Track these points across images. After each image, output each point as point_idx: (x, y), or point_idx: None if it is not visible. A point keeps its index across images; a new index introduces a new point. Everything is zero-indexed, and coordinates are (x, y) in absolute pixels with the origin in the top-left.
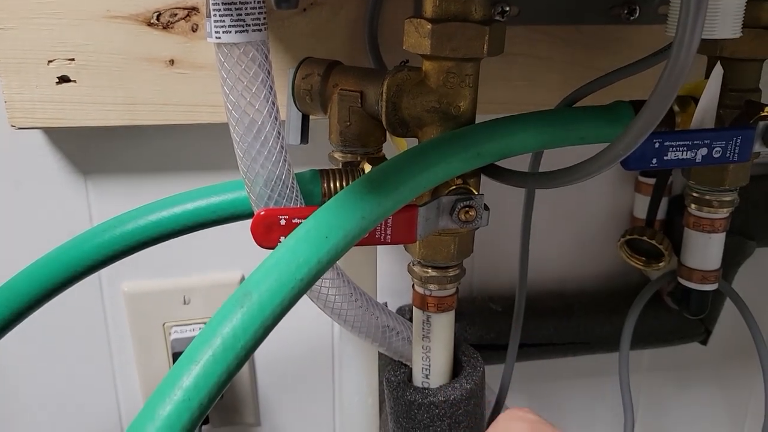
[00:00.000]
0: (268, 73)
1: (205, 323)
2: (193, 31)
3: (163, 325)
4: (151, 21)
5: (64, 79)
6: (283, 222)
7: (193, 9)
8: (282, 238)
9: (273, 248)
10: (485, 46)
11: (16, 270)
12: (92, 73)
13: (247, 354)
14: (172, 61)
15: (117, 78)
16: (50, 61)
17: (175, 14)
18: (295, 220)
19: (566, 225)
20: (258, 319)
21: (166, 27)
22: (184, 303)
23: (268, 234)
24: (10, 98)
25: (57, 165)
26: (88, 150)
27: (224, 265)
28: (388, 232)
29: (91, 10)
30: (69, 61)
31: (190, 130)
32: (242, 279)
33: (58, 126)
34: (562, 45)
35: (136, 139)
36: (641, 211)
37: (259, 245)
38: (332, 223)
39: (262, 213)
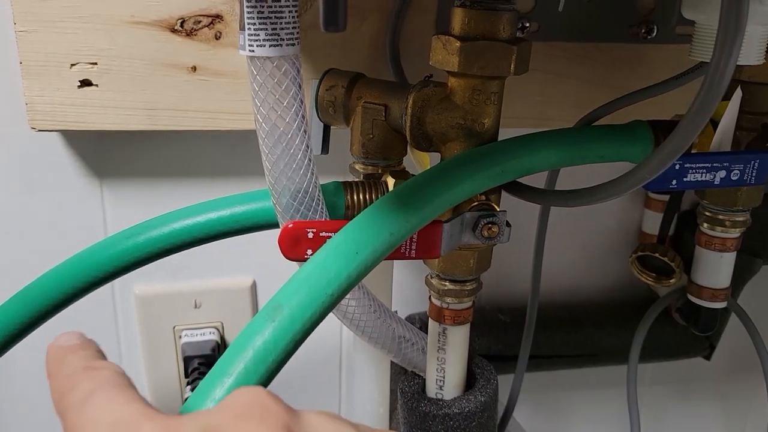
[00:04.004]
0: (300, 87)
1: (214, 327)
2: (217, 39)
3: (174, 328)
4: (175, 27)
5: (86, 83)
6: (310, 235)
7: (217, 17)
8: (309, 251)
9: (299, 260)
10: (512, 65)
11: (27, 270)
12: (114, 77)
13: (278, 367)
14: (194, 68)
15: (139, 83)
16: (73, 65)
17: (199, 21)
18: (323, 234)
19: (575, 238)
20: (289, 332)
21: (190, 34)
22: (195, 307)
23: (295, 247)
24: (31, 100)
25: (72, 167)
26: (104, 153)
27: (236, 270)
28: (413, 247)
29: (116, 16)
30: (91, 65)
31: (208, 137)
32: (253, 284)
33: (78, 129)
34: (579, 62)
35: (152, 144)
36: (650, 226)
37: (286, 257)
38: (361, 239)
39: (290, 226)
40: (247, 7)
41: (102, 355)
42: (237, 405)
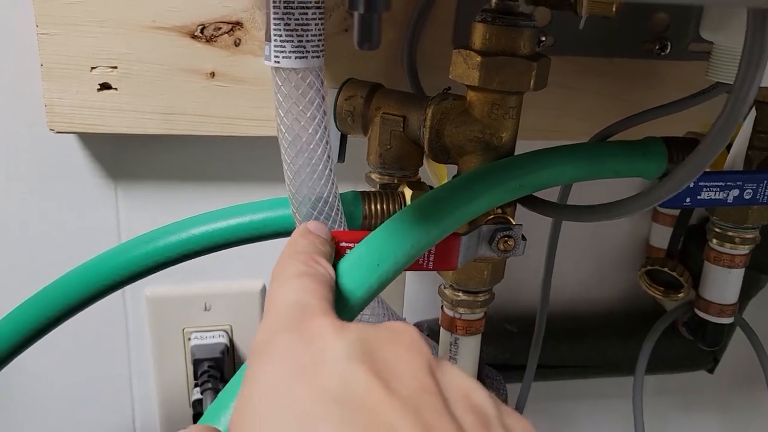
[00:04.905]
0: (323, 98)
1: (224, 330)
2: (236, 46)
3: (183, 330)
4: (195, 33)
5: (105, 86)
6: None
7: (237, 24)
8: None
9: None
10: (532, 81)
11: (41, 269)
12: (134, 81)
13: None
14: (213, 74)
15: (158, 88)
16: (93, 68)
17: (219, 28)
18: (343, 244)
19: (583, 249)
20: None
21: (210, 40)
22: (205, 309)
23: None
24: (50, 102)
25: (88, 169)
26: (120, 156)
27: (246, 273)
28: (431, 259)
29: (137, 20)
30: (111, 69)
31: (224, 142)
32: (263, 288)
33: (96, 132)
34: (593, 76)
35: (167, 148)
36: (657, 240)
37: None
38: (383, 251)
39: None
40: (274, 19)
41: (331, 260)
42: (393, 330)
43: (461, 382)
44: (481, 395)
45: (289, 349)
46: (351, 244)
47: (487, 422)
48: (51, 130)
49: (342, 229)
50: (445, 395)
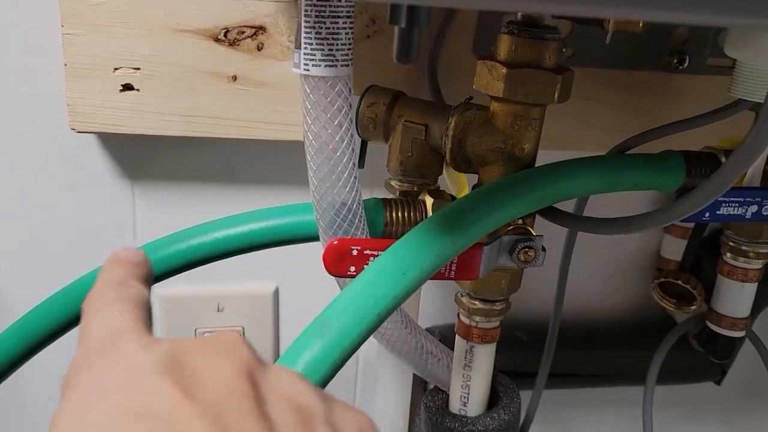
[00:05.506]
0: (350, 106)
1: (236, 331)
2: (259, 50)
3: (195, 330)
4: (219, 37)
5: (127, 87)
6: (355, 252)
7: (261, 28)
8: (352, 268)
9: (342, 276)
10: (556, 94)
11: (52, 269)
12: (156, 83)
13: (324, 384)
14: (234, 77)
15: (180, 90)
16: (116, 69)
17: (243, 32)
18: (367, 252)
19: (594, 259)
20: (337, 349)
21: (233, 44)
22: (218, 310)
23: (339, 263)
24: (72, 102)
25: (105, 168)
26: (138, 156)
27: (259, 275)
28: (453, 268)
29: (161, 23)
30: (134, 70)
31: (242, 145)
32: (276, 290)
33: (118, 132)
34: (612, 88)
35: (185, 149)
36: (668, 251)
37: (330, 273)
38: (409, 260)
39: (336, 243)
40: (305, 27)
41: (147, 281)
42: (211, 340)
43: (287, 383)
44: (308, 396)
45: (98, 372)
46: (376, 252)
47: (310, 420)
48: (72, 129)
49: (364, 237)
50: (262, 397)
